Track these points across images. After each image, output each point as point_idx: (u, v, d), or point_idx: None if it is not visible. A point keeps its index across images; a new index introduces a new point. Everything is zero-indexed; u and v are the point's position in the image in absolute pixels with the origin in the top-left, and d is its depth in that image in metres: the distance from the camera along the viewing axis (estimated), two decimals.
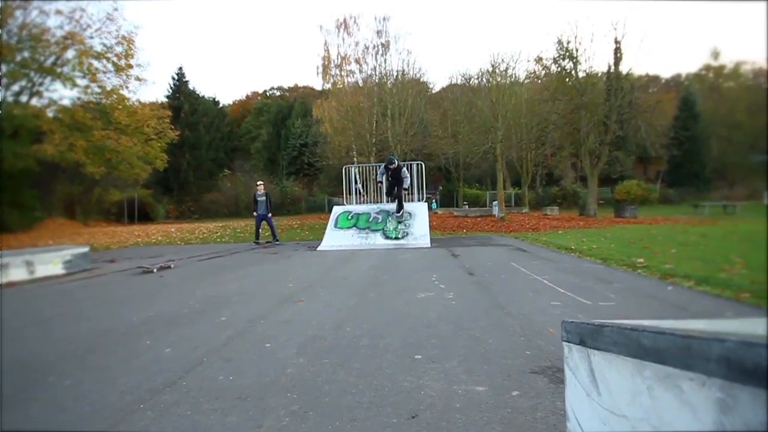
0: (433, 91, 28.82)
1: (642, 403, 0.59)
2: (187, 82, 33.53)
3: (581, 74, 18.52)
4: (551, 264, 5.64)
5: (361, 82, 21.67)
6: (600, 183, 20.61)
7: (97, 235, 15.12)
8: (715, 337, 0.44)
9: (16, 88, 18.57)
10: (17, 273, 5.59)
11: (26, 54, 18.00)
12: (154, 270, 6.07)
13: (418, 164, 11.84)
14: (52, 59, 18.82)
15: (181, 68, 33.42)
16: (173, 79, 33.03)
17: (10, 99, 18.47)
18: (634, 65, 23.11)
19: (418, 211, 9.62)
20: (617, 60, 18.39)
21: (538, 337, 2.54)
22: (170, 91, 32.64)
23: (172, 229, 16.90)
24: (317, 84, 30.90)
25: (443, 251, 7.59)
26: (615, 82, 18.29)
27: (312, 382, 1.98)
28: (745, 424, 0.41)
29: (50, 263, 5.99)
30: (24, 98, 18.81)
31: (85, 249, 6.79)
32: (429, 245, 8.51)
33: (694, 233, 8.73)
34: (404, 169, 9.27)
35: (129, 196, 26.43)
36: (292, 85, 46.71)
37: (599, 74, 19.03)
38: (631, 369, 0.61)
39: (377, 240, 9.00)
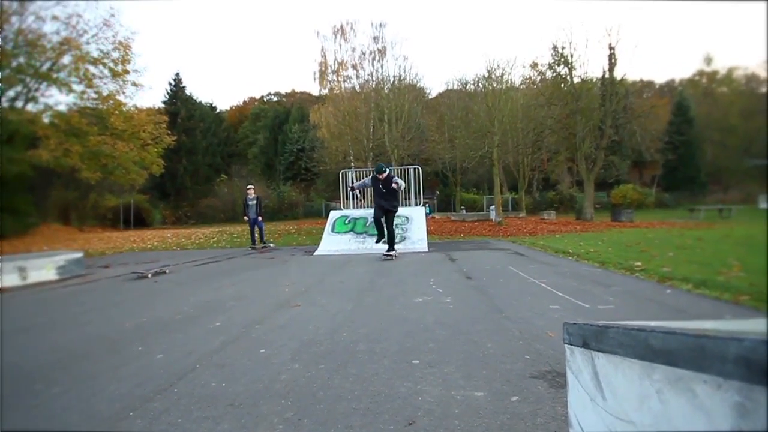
0: (430, 97, 28.98)
1: (651, 408, 0.55)
2: (184, 87, 33.53)
3: (576, 80, 18.67)
4: (549, 268, 5.61)
5: (358, 88, 21.76)
6: (596, 187, 20.70)
7: (92, 240, 14.99)
8: (732, 336, 0.41)
9: (11, 93, 18.47)
10: (9, 279, 5.51)
11: (22, 59, 17.94)
12: (149, 275, 6.00)
13: (415, 169, 11.84)
14: (48, 65, 18.77)
15: (178, 74, 33.44)
16: (170, 84, 33.03)
17: (5, 104, 18.36)
18: (629, 71, 23.34)
19: (416, 215, 9.60)
20: (612, 65, 18.56)
21: (537, 341, 2.51)
22: (167, 96, 32.63)
23: (168, 235, 16.78)
24: (314, 89, 31.04)
25: (441, 255, 7.56)
26: (610, 87, 18.44)
27: (307, 389, 1.93)
28: (766, 429, 0.38)
29: (43, 269, 5.91)
30: (20, 104, 18.73)
31: (79, 254, 6.71)
32: (426, 249, 8.47)
33: (690, 237, 8.75)
34: (396, 177, 7.53)
35: (125, 202, 26.27)
36: (289, 91, 46.73)
37: (594, 80, 19.19)
38: (638, 372, 0.58)
39: (374, 244, 8.94)
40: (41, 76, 18.73)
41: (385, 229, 7.21)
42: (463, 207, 26.73)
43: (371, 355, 2.37)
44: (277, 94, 47.65)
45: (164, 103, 31.66)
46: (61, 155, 18.01)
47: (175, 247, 12.16)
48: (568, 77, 18.76)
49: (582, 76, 18.65)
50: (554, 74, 19.24)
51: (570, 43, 18.31)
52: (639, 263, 5.22)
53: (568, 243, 8.58)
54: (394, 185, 7.16)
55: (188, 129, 31.51)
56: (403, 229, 9.22)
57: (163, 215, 30.47)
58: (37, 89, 19.00)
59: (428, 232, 9.77)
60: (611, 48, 18.29)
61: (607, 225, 14.55)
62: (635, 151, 27.55)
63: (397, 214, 7.54)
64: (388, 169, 7.37)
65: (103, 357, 2.54)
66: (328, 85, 22.90)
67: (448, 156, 25.01)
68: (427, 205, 13.63)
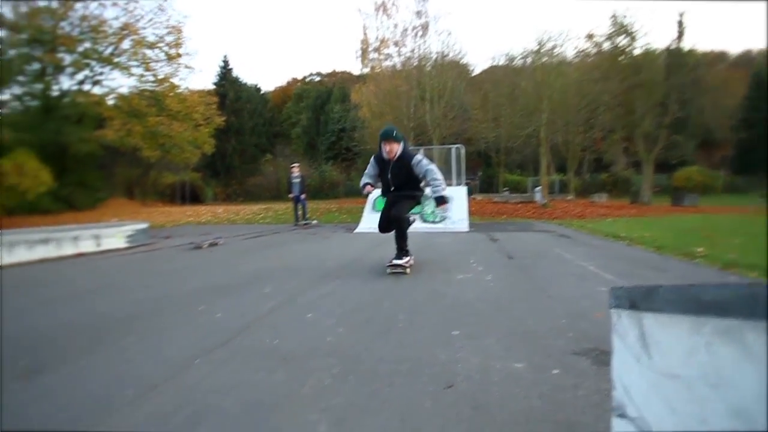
0: (474, 73, 27.89)
1: (698, 361, 0.56)
2: (231, 69, 34.70)
3: (638, 51, 17.14)
4: (598, 251, 5.39)
5: (399, 66, 21.38)
6: (656, 169, 19.21)
7: (153, 214, 16.25)
8: None
9: (80, 77, 20.08)
10: (86, 245, 6.19)
11: (87, 45, 19.35)
12: (205, 246, 6.48)
13: (457, 148, 11.62)
14: (110, 49, 20.11)
15: (226, 56, 34.64)
16: (220, 67, 34.30)
17: (74, 88, 20.02)
18: (698, 41, 20.97)
19: (457, 195, 9.49)
20: (680, 34, 16.83)
21: (582, 320, 2.46)
22: (218, 78, 33.95)
23: (220, 210, 17.82)
24: (355, 69, 30.88)
25: (482, 236, 7.46)
26: (676, 58, 16.77)
27: (351, 350, 2.05)
28: None
29: (114, 237, 6.57)
30: (86, 87, 20.36)
31: (145, 225, 7.39)
32: (467, 229, 8.40)
33: (762, 224, 7.96)
34: (423, 161, 3.99)
35: (181, 179, 28.09)
36: (330, 71, 46.88)
37: (658, 51, 17.52)
38: (687, 327, 0.59)
39: (414, 223, 8.98)
40: (104, 60, 20.11)
41: (392, 221, 4.07)
42: (506, 188, 25.93)
43: (411, 324, 2.45)
44: (319, 74, 47.97)
45: (215, 84, 32.99)
46: (125, 135, 19.45)
47: (225, 222, 12.94)
48: (629, 48, 17.26)
49: (644, 47, 17.09)
50: (612, 46, 17.77)
51: (632, 11, 16.76)
52: (701, 249, 4.87)
53: (620, 227, 8.13)
54: (423, 176, 3.98)
55: (236, 110, 32.77)
56: (443, 209, 9.15)
57: (214, 192, 32.31)
58: (100, 73, 20.48)
59: (469, 213, 9.65)
60: (679, 16, 16.53)
61: (667, 210, 13.57)
62: (703, 129, 25.08)
63: (429, 194, 4.11)
64: (402, 142, 3.99)
65: (170, 314, 2.83)
66: (370, 64, 22.70)
67: (491, 135, 24.17)
68: (467, 185, 13.38)
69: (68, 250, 5.90)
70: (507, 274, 3.94)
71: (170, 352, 2.08)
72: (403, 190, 4.08)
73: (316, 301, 3.07)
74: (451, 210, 9.13)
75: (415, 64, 20.94)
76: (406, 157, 3.93)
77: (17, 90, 18.30)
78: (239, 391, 1.64)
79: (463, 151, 11.68)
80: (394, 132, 3.92)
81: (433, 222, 8.93)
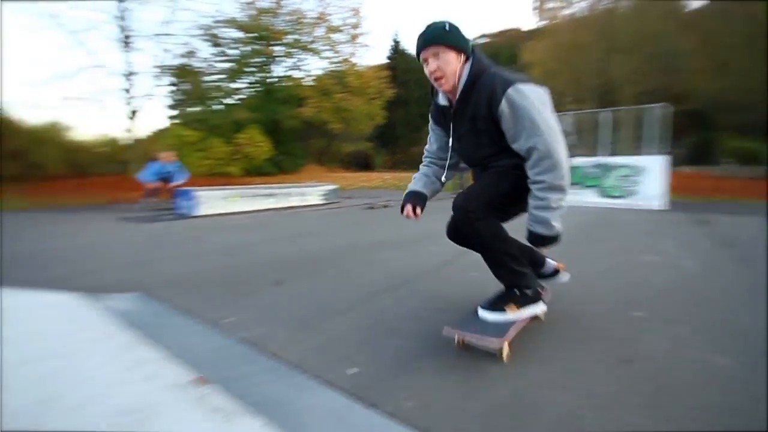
0: (689, 9, 21.49)
1: None
2: (398, 42, 36.33)
3: None
4: None
5: (585, 11, 18.33)
6: None
7: (336, 178, 19.10)
8: None
9: (288, 64, 24.49)
10: (295, 200, 7.91)
11: (292, 37, 23.29)
12: (377, 206, 7.41)
13: (659, 107, 9.49)
14: (308, 38, 23.72)
15: (396, 32, 36.35)
16: (393, 41, 36.36)
17: (282, 73, 24.58)
18: None
19: (651, 165, 7.90)
20: None
21: None
22: (390, 52, 36.20)
23: (387, 177, 19.61)
24: (527, 24, 27.91)
25: (684, 216, 6.12)
26: None
27: None
28: None
29: (313, 195, 8.17)
30: (291, 72, 24.76)
31: (336, 186, 8.96)
32: (664, 208, 6.99)
33: None
34: (534, 108, 1.48)
35: (357, 148, 31.88)
36: (498, 30, 43.71)
37: None
38: None
39: (590, 197, 8.00)
40: (304, 48, 23.87)
41: (456, 214, 1.90)
42: (729, 159, 19.82)
43: (581, 297, 2.34)
44: (484, 35, 45.39)
45: (387, 58, 35.31)
46: (318, 111, 23.06)
47: (392, 188, 14.23)
48: None
49: None
50: None
51: None
52: None
53: None
54: (523, 146, 1.57)
55: (403, 82, 34.41)
56: (632, 182, 7.79)
57: (383, 160, 35.46)
58: (300, 60, 24.46)
59: (669, 189, 7.94)
60: None
61: None
62: None
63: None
64: (470, 54, 1.64)
65: (357, 257, 3.45)
66: (547, 15, 20.23)
67: (713, 88, 18.58)
68: (669, 154, 10.92)
69: (283, 203, 7.68)
70: (719, 264, 3.21)
71: (362, 285, 2.59)
72: (489, 164, 1.82)
73: (480, 262, 3.17)
74: (642, 183, 7.71)
75: (604, 6, 17.60)
76: (484, 88, 1.59)
77: (249, 79, 23.77)
78: (415, 322, 1.96)
79: (667, 111, 9.46)
80: (446, 25, 1.63)
81: (617, 197, 7.74)
